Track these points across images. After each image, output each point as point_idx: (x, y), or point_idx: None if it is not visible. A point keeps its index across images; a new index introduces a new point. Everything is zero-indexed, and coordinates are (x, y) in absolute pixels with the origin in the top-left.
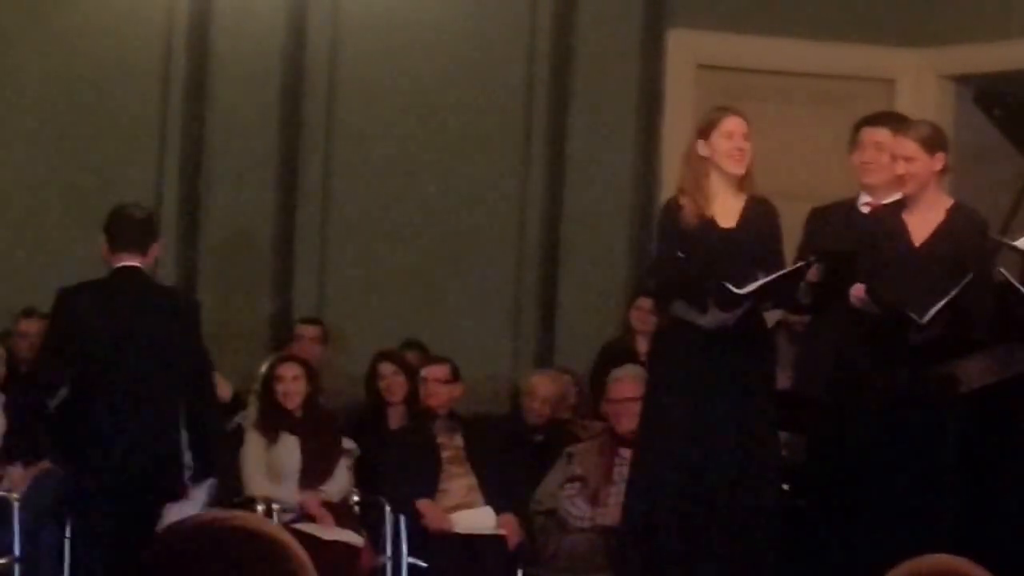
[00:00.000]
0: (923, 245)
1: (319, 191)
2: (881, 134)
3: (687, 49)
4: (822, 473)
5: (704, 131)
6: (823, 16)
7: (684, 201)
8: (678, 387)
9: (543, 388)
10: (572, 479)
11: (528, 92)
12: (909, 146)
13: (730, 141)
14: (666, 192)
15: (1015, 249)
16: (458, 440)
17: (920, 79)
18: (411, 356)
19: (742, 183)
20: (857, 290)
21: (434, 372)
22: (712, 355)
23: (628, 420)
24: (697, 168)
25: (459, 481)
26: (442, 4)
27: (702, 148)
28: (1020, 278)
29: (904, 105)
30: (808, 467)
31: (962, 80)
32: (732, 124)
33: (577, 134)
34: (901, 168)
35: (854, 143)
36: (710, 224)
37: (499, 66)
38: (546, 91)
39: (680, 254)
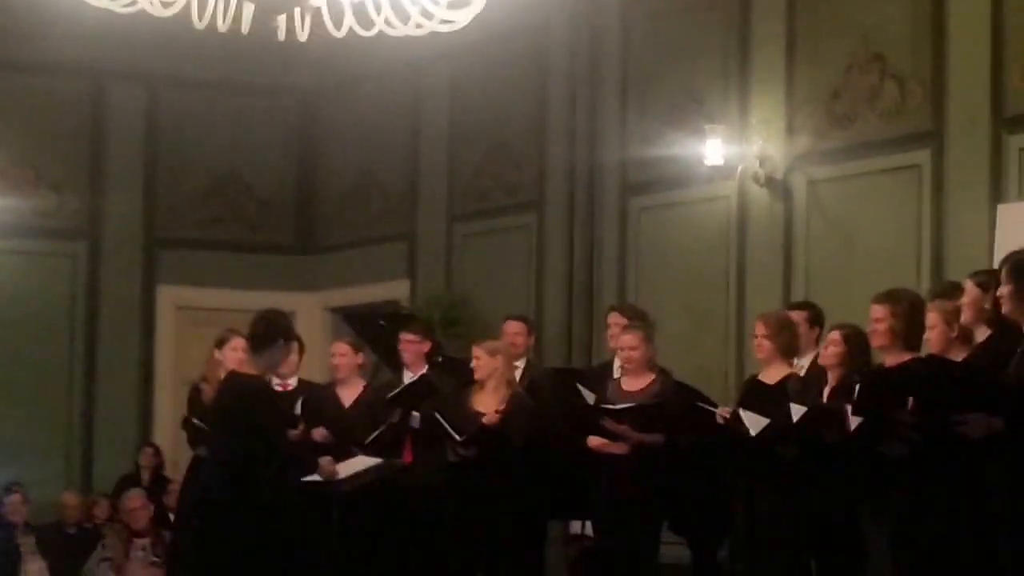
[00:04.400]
0: None
1: None
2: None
3: (170, 297)
4: None
5: (219, 344)
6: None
7: (204, 386)
8: None
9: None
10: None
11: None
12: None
13: (235, 352)
14: (160, 398)
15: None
16: None
17: (312, 311)
18: None
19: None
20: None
21: None
22: None
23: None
24: (214, 366)
25: None
26: None
27: (217, 354)
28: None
29: (302, 328)
30: None
31: (336, 310)
32: (235, 342)
33: (104, 362)
34: None
35: None
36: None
37: (47, 326)
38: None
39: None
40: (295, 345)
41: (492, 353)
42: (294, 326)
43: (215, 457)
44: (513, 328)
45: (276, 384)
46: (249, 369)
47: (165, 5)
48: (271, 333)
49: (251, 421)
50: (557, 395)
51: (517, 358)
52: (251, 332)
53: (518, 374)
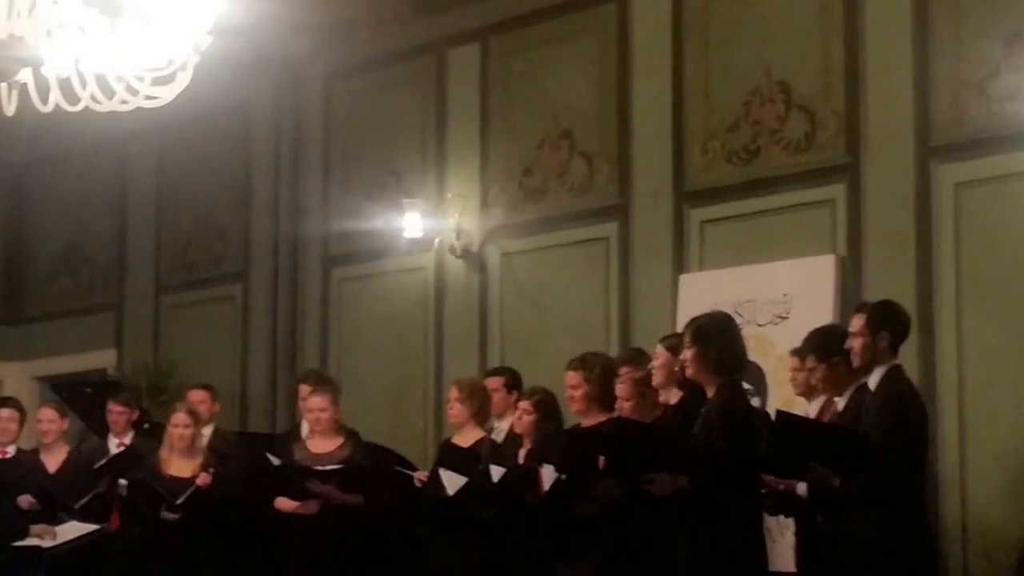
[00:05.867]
0: None
1: None
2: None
3: None
4: None
5: None
6: None
7: None
8: None
9: None
10: None
11: None
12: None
13: None
14: None
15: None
16: None
17: (19, 380)
18: None
19: None
20: None
21: None
22: None
23: None
24: None
25: None
26: None
27: None
28: None
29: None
30: None
31: (44, 379)
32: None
33: None
34: None
35: None
36: None
37: None
38: None
39: None
40: None
41: (193, 420)
42: None
43: None
44: (196, 396)
45: None
46: None
47: None
48: None
49: None
50: (244, 459)
51: (203, 425)
52: None
53: (206, 440)
